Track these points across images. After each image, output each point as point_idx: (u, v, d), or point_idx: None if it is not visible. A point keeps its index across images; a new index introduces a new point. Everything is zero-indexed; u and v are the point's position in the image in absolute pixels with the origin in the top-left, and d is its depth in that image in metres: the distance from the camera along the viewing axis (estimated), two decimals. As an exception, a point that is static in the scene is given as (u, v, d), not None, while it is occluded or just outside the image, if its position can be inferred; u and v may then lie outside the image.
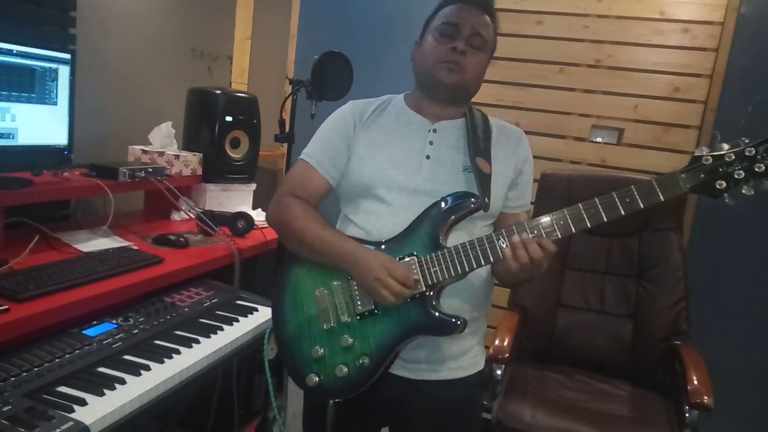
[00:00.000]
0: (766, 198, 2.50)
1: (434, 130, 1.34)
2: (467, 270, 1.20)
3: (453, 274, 1.20)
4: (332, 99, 2.00)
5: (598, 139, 2.68)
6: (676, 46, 2.54)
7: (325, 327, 1.27)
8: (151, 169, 2.02)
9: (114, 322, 1.41)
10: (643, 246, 2.11)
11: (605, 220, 1.13)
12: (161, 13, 2.55)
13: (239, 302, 1.70)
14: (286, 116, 2.09)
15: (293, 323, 1.31)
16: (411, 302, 1.21)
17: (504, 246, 1.16)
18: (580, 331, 2.14)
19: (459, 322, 1.20)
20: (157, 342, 1.37)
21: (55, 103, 1.75)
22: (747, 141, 1.07)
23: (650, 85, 2.58)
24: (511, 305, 2.22)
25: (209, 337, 1.45)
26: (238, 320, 1.57)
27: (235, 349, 1.47)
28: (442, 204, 1.25)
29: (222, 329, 1.50)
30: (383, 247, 1.26)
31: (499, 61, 2.75)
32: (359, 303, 1.25)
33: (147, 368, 1.24)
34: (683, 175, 1.10)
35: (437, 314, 1.21)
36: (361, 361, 1.23)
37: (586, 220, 1.14)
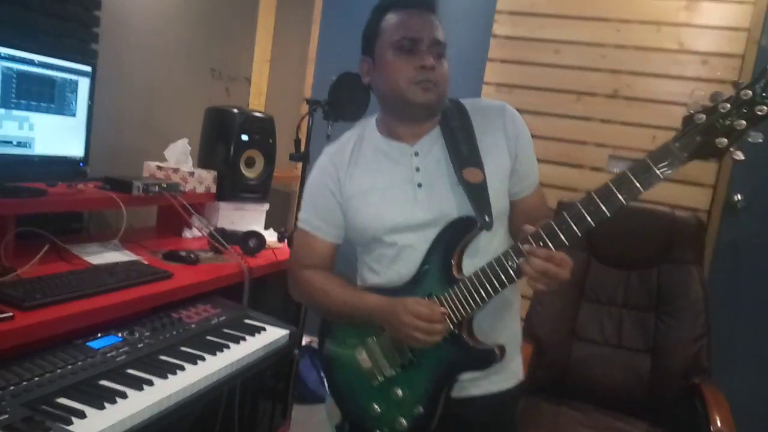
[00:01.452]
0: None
1: (416, 153, 1.27)
2: (487, 299, 1.15)
3: (474, 305, 1.15)
4: (349, 120, 2.00)
5: (615, 170, 2.64)
6: (695, 78, 2.52)
7: (374, 384, 1.27)
8: (165, 185, 2.01)
9: (119, 335, 1.38)
10: (663, 278, 2.05)
11: (608, 214, 1.03)
12: (182, 32, 2.58)
13: (247, 321, 1.66)
14: (302, 136, 2.08)
15: (347, 387, 1.33)
16: (444, 343, 1.18)
17: (514, 266, 1.10)
18: (596, 365, 2.07)
19: (497, 352, 1.18)
20: (162, 357, 1.34)
21: (74, 115, 1.76)
22: (742, 83, 0.92)
23: (668, 117, 2.56)
24: (526, 335, 2.16)
25: (215, 354, 1.42)
26: (245, 339, 1.54)
27: (241, 368, 1.43)
28: (444, 236, 1.21)
29: (228, 347, 1.47)
30: (406, 292, 1.23)
31: (516, 89, 2.75)
32: (397, 354, 1.24)
33: (150, 383, 1.21)
34: (677, 144, 0.97)
35: (472, 348, 1.19)
36: (416, 411, 1.24)
37: (587, 217, 1.04)
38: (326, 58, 3.12)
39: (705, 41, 2.51)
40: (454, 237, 1.20)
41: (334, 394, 1.38)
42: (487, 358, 1.20)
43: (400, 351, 1.24)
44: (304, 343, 2.38)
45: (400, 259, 1.26)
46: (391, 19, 1.24)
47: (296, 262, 1.39)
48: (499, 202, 1.24)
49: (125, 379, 1.21)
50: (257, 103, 3.14)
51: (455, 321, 1.17)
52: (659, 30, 2.58)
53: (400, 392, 1.25)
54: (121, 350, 1.31)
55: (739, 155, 0.95)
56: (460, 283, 1.16)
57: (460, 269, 1.20)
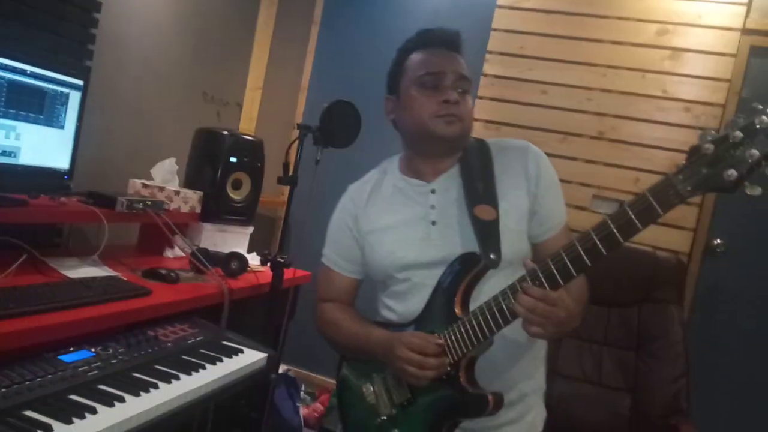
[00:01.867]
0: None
1: (433, 191, 1.27)
2: (483, 337, 1.10)
3: (471, 345, 1.11)
4: (339, 146, 2.01)
5: (600, 210, 2.68)
6: (677, 124, 2.59)
7: (377, 422, 1.26)
8: (149, 202, 1.99)
9: (92, 350, 1.34)
10: (643, 318, 2.06)
11: (604, 253, 0.97)
12: (177, 55, 2.61)
13: (225, 343, 1.63)
14: (291, 160, 2.09)
15: (355, 421, 1.33)
16: (442, 384, 1.14)
17: (510, 306, 1.05)
18: (575, 403, 2.05)
19: (489, 400, 1.10)
20: (136, 374, 1.30)
21: (62, 127, 1.75)
22: (761, 107, 0.85)
23: (652, 160, 2.61)
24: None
25: (190, 374, 1.38)
26: (222, 360, 1.50)
27: (217, 388, 1.39)
28: (447, 274, 1.20)
29: (204, 368, 1.43)
30: (409, 328, 1.23)
31: (503, 127, 2.80)
32: (397, 392, 1.23)
33: (121, 400, 1.17)
34: (680, 176, 0.89)
35: (465, 392, 1.13)
36: None
37: (583, 255, 0.98)
38: (318, 87, 3.15)
39: (688, 89, 2.59)
40: (458, 274, 1.18)
41: (346, 428, 1.38)
42: (479, 405, 1.12)
43: (400, 389, 1.22)
44: (280, 371, 2.33)
45: (412, 296, 1.26)
46: (415, 57, 1.27)
47: (318, 295, 1.45)
48: (512, 242, 1.20)
49: (96, 395, 1.16)
50: (247, 129, 3.16)
51: (453, 360, 1.14)
52: (644, 77, 2.66)
53: None
54: (93, 365, 1.27)
55: (757, 190, 0.86)
56: (460, 322, 1.14)
57: (463, 308, 1.17)
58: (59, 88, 1.71)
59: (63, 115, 1.74)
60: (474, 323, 1.12)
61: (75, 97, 1.77)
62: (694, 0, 2.59)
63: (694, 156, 0.89)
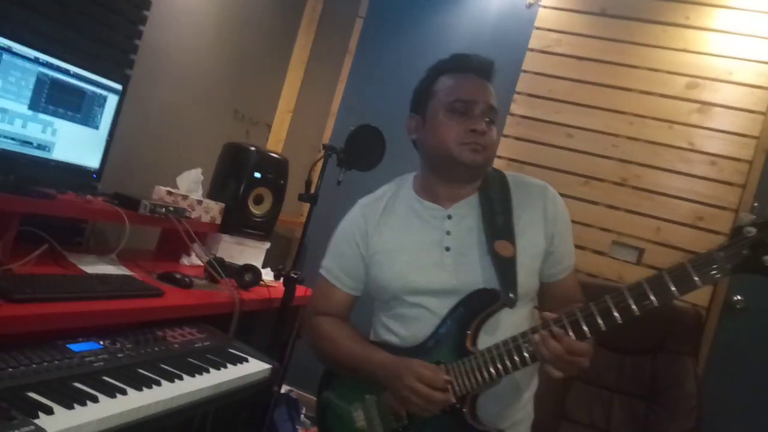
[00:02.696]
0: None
1: (449, 217, 1.26)
2: (496, 377, 1.10)
3: (482, 382, 1.11)
4: (362, 169, 2.04)
5: (619, 256, 2.65)
6: (702, 177, 2.57)
7: None
8: (172, 208, 2.03)
9: (101, 342, 1.35)
10: (657, 367, 2.01)
11: (637, 313, 0.98)
12: (214, 72, 2.69)
13: (231, 350, 1.63)
14: (314, 179, 2.12)
15: None
16: (443, 416, 1.12)
17: (530, 349, 1.06)
18: (582, 450, 1.99)
19: None
20: (140, 370, 1.31)
21: (97, 128, 1.81)
22: None
23: (674, 211, 2.59)
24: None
25: (194, 376, 1.38)
26: (226, 366, 1.50)
27: (218, 393, 1.39)
28: (464, 305, 1.18)
29: (208, 371, 1.43)
30: (414, 355, 1.20)
31: (527, 166, 2.81)
32: (392, 418, 1.19)
33: (123, 392, 1.17)
34: (722, 253, 0.92)
35: (469, 427, 1.12)
36: None
37: (615, 312, 0.99)
38: (347, 115, 3.21)
39: (714, 143, 2.58)
40: (475, 308, 1.17)
41: None
42: None
43: (397, 415, 1.18)
44: (282, 391, 2.31)
45: (417, 321, 1.23)
46: (447, 81, 1.27)
47: (313, 308, 1.40)
48: (527, 280, 1.21)
49: (99, 385, 1.17)
50: (274, 149, 3.22)
51: (459, 394, 1.13)
52: (671, 128, 2.66)
53: None
54: (100, 357, 1.28)
55: None
56: (471, 357, 1.13)
57: (474, 342, 1.16)
58: (98, 90, 1.77)
59: (99, 116, 1.80)
60: (488, 360, 1.10)
61: (112, 101, 1.84)
62: (725, 57, 2.61)
63: (736, 236, 0.91)
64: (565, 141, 2.81)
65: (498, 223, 1.22)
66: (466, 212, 1.27)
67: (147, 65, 2.30)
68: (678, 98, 2.66)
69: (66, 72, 1.67)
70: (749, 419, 2.42)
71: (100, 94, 1.79)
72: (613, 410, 2.02)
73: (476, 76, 1.26)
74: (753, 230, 0.90)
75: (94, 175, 1.86)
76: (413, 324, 1.24)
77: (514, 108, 2.90)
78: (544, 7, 2.91)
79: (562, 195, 2.69)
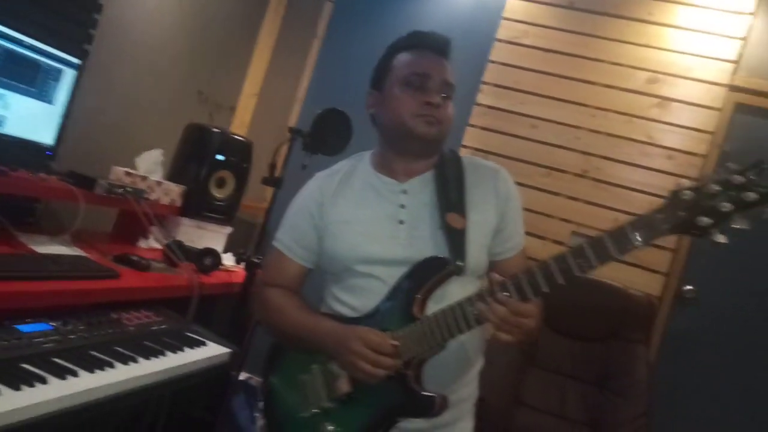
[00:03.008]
0: (736, 325, 2.51)
1: (404, 191, 1.28)
2: (442, 341, 1.12)
3: (427, 347, 1.12)
4: (328, 154, 2.02)
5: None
6: (659, 170, 2.64)
7: (307, 414, 1.22)
8: (130, 189, 1.98)
9: (51, 324, 1.32)
10: (610, 354, 2.07)
11: (577, 273, 1.01)
12: (177, 51, 2.63)
13: (189, 334, 1.61)
14: (279, 163, 2.09)
15: (282, 413, 1.28)
16: (388, 381, 1.13)
17: (476, 312, 1.08)
18: (537, 434, 2.04)
19: (437, 401, 1.12)
20: (93, 352, 1.28)
21: (51, 103, 1.75)
22: (735, 167, 0.93)
23: (632, 203, 2.65)
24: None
25: (149, 359, 1.36)
26: (183, 350, 1.48)
27: (174, 376, 1.37)
28: (413, 274, 1.20)
29: (164, 354, 1.41)
30: (361, 324, 1.20)
31: (491, 156, 2.83)
32: (337, 385, 1.19)
33: (74, 374, 1.15)
34: (660, 215, 0.96)
35: (414, 392, 1.13)
36: None
37: (557, 274, 1.02)
38: (314, 100, 3.18)
39: (672, 138, 2.65)
40: (423, 275, 1.19)
41: (267, 426, 1.33)
42: (427, 405, 1.14)
43: (341, 382, 1.19)
44: (241, 378, 2.29)
45: (369, 291, 1.24)
46: (403, 57, 1.29)
47: (264, 279, 1.39)
48: (476, 253, 1.23)
49: (48, 366, 1.14)
50: (239, 133, 3.16)
51: (404, 359, 1.14)
52: (631, 121, 2.72)
53: (330, 428, 1.19)
54: (50, 338, 1.25)
55: (721, 239, 0.94)
56: (418, 323, 1.14)
57: (422, 309, 1.17)
58: (54, 63, 1.71)
59: (54, 91, 1.74)
60: (433, 326, 1.12)
61: (69, 75, 1.78)
62: (686, 54, 2.67)
63: (673, 199, 0.96)
64: (529, 132, 2.84)
65: (451, 197, 1.25)
66: (421, 187, 1.29)
67: (107, 41, 2.23)
68: (639, 92, 2.72)
69: (19, 43, 1.60)
70: (698, 405, 2.52)
71: (56, 68, 1.73)
72: (568, 395, 2.07)
73: (433, 53, 1.28)
74: (689, 193, 0.95)
75: (48, 152, 1.80)
76: (364, 294, 1.24)
77: (481, 98, 2.92)
78: (513, -2, 2.93)
79: (524, 185, 2.77)
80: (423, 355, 1.14)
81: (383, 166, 1.32)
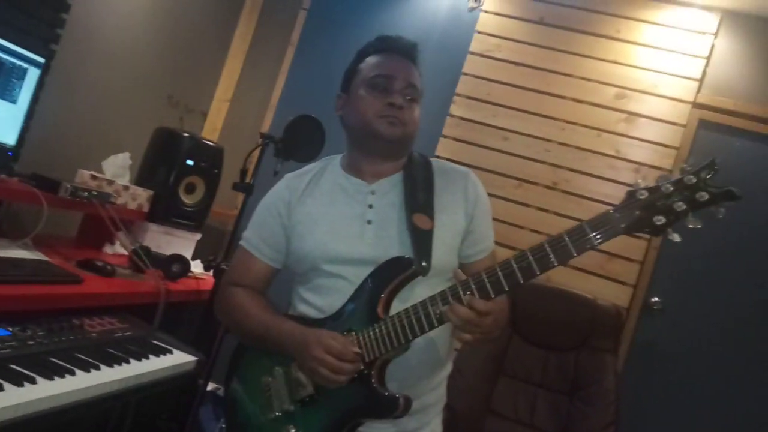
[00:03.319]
0: (700, 335, 2.56)
1: (372, 192, 1.28)
2: (404, 341, 1.11)
3: (390, 347, 1.11)
4: (300, 160, 2.00)
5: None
6: (626, 183, 2.69)
7: (270, 417, 1.20)
8: (95, 193, 1.92)
9: (9, 329, 1.26)
10: (580, 364, 2.09)
11: (538, 273, 1.02)
12: (148, 54, 2.58)
13: (154, 342, 1.56)
14: (250, 169, 2.07)
15: (243, 416, 1.25)
16: (351, 383, 1.12)
17: (438, 312, 1.07)
18: (506, 443, 2.04)
19: (401, 402, 1.10)
20: (52, 359, 1.23)
21: (14, 102, 1.70)
22: (689, 168, 0.96)
23: (600, 215, 2.69)
24: (440, 405, 2.11)
25: (112, 366, 1.31)
26: (148, 357, 1.44)
27: (138, 384, 1.33)
28: (377, 273, 1.19)
29: (128, 362, 1.37)
30: (326, 325, 1.19)
31: (464, 166, 2.85)
32: (299, 388, 1.17)
33: (32, 380, 1.10)
34: (616, 214, 0.99)
35: (376, 392, 1.12)
36: None
37: (518, 273, 1.02)
38: (287, 107, 3.15)
39: (639, 152, 2.72)
40: (388, 275, 1.18)
41: (229, 427, 1.30)
42: (390, 406, 1.11)
43: (303, 384, 1.17)
44: (209, 388, 2.23)
45: (335, 291, 1.23)
46: (371, 60, 1.31)
47: (229, 278, 1.36)
48: (443, 255, 1.23)
49: (4, 373, 1.09)
50: (210, 139, 3.12)
51: (367, 360, 1.13)
52: (600, 135, 2.77)
53: (293, 430, 1.17)
54: (7, 344, 1.19)
55: (676, 237, 0.96)
56: (381, 323, 1.13)
57: (386, 309, 1.17)
58: (17, 62, 1.66)
59: (17, 90, 1.69)
60: (397, 326, 1.11)
61: (33, 74, 1.73)
62: (652, 71, 2.75)
63: (630, 199, 0.98)
64: (501, 144, 2.87)
65: (419, 199, 1.25)
66: (390, 188, 1.30)
67: (75, 41, 2.17)
68: (607, 107, 2.78)
69: (-19, 40, 1.55)
70: (664, 414, 2.56)
71: (20, 66, 1.68)
72: (538, 404, 2.08)
73: (399, 56, 1.30)
74: (645, 193, 0.97)
75: (10, 153, 1.74)
76: (331, 294, 1.23)
77: (454, 109, 2.94)
78: (486, 11, 2.97)
79: (496, 196, 2.80)
80: (387, 355, 1.13)
81: (352, 167, 1.33)
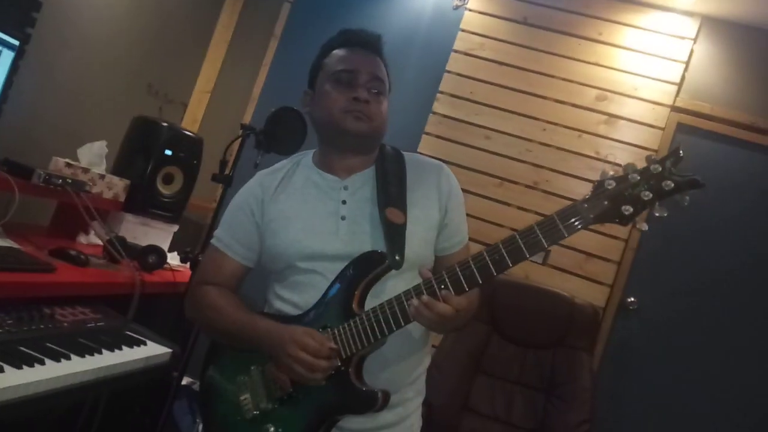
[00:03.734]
0: (675, 335, 2.59)
1: (345, 188, 1.27)
2: (380, 336, 1.10)
3: (366, 342, 1.11)
4: (281, 153, 1.97)
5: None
6: (606, 184, 2.72)
7: (248, 416, 1.18)
8: (70, 181, 1.88)
9: (-24, 317, 1.23)
10: (556, 362, 2.10)
11: (510, 265, 1.03)
12: (128, 42, 2.53)
13: (128, 333, 1.53)
14: (230, 160, 2.04)
15: (220, 416, 1.23)
16: (329, 379, 1.11)
17: (413, 306, 1.07)
18: (482, 440, 2.05)
19: (379, 397, 1.10)
20: (21, 348, 1.19)
21: (-14, 85, 1.64)
22: (654, 157, 0.98)
23: (579, 215, 2.72)
24: (417, 401, 2.11)
25: (83, 356, 1.28)
26: (121, 348, 1.41)
27: (111, 375, 1.30)
28: (350, 269, 1.18)
29: (100, 352, 1.33)
30: (302, 322, 1.18)
31: (446, 164, 2.85)
32: (277, 386, 1.16)
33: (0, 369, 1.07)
34: (585, 205, 1.00)
35: (355, 388, 1.11)
36: None
37: (491, 265, 1.03)
38: (269, 99, 3.12)
39: (618, 154, 2.75)
40: (362, 270, 1.17)
41: (206, 427, 1.28)
42: (368, 401, 1.11)
43: (280, 383, 1.16)
44: (184, 382, 2.20)
45: (311, 287, 1.22)
46: (335, 54, 1.29)
47: (200, 278, 1.34)
48: (417, 248, 1.22)
49: (-30, 361, 1.06)
50: (190, 129, 3.07)
51: (344, 356, 1.12)
52: (580, 136, 2.80)
53: (272, 429, 1.16)
54: (-27, 332, 1.16)
55: (644, 226, 0.98)
56: (357, 318, 1.13)
57: (361, 304, 1.16)
58: (-9, 43, 1.61)
59: (-10, 72, 1.64)
60: (372, 321, 1.11)
61: (6, 57, 1.68)
62: (633, 74, 2.78)
63: (598, 190, 1.00)
64: (483, 143, 2.88)
65: (391, 193, 1.24)
66: (362, 184, 1.28)
67: (51, 25, 2.12)
68: (588, 109, 2.81)
69: (-48, 19, 1.50)
70: (639, 411, 2.60)
71: (-7, 49, 1.63)
72: (514, 402, 2.09)
73: (363, 49, 1.29)
74: (613, 183, 0.99)
75: (-19, 138, 1.69)
76: (306, 290, 1.22)
77: (437, 107, 2.94)
78: (470, 10, 2.98)
79: (477, 195, 2.80)
80: (363, 351, 1.13)
81: (324, 163, 1.31)
